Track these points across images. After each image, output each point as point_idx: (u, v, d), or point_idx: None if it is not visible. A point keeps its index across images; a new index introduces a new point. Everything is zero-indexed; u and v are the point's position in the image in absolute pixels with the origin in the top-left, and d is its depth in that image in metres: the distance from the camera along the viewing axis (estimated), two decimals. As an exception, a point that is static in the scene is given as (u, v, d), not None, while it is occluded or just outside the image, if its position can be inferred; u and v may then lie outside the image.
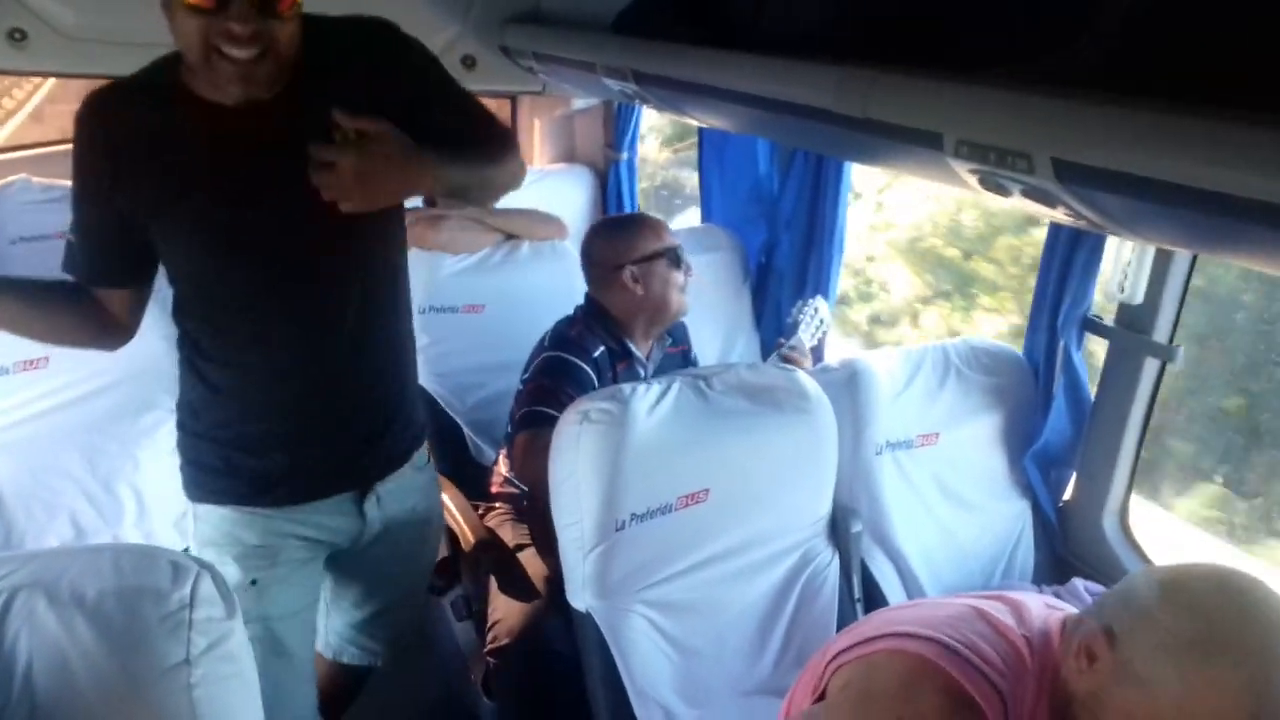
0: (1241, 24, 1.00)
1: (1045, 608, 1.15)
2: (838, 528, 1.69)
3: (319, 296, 1.36)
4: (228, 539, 1.41)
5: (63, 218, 2.73)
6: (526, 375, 1.97)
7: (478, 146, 1.37)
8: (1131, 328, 1.71)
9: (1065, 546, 1.91)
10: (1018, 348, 1.96)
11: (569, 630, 1.60)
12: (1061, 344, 1.79)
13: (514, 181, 1.47)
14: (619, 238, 2.01)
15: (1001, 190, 1.20)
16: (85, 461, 1.91)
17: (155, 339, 1.91)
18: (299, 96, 1.25)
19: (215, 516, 1.42)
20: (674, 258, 1.99)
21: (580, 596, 1.51)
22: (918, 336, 3.60)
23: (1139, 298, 1.66)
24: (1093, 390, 1.82)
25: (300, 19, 1.19)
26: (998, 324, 3.31)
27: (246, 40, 1.13)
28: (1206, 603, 0.95)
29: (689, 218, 3.90)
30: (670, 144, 4.52)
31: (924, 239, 3.73)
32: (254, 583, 1.40)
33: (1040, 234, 1.97)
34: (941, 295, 3.64)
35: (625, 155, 3.35)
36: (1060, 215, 1.21)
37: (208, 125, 1.25)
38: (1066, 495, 1.93)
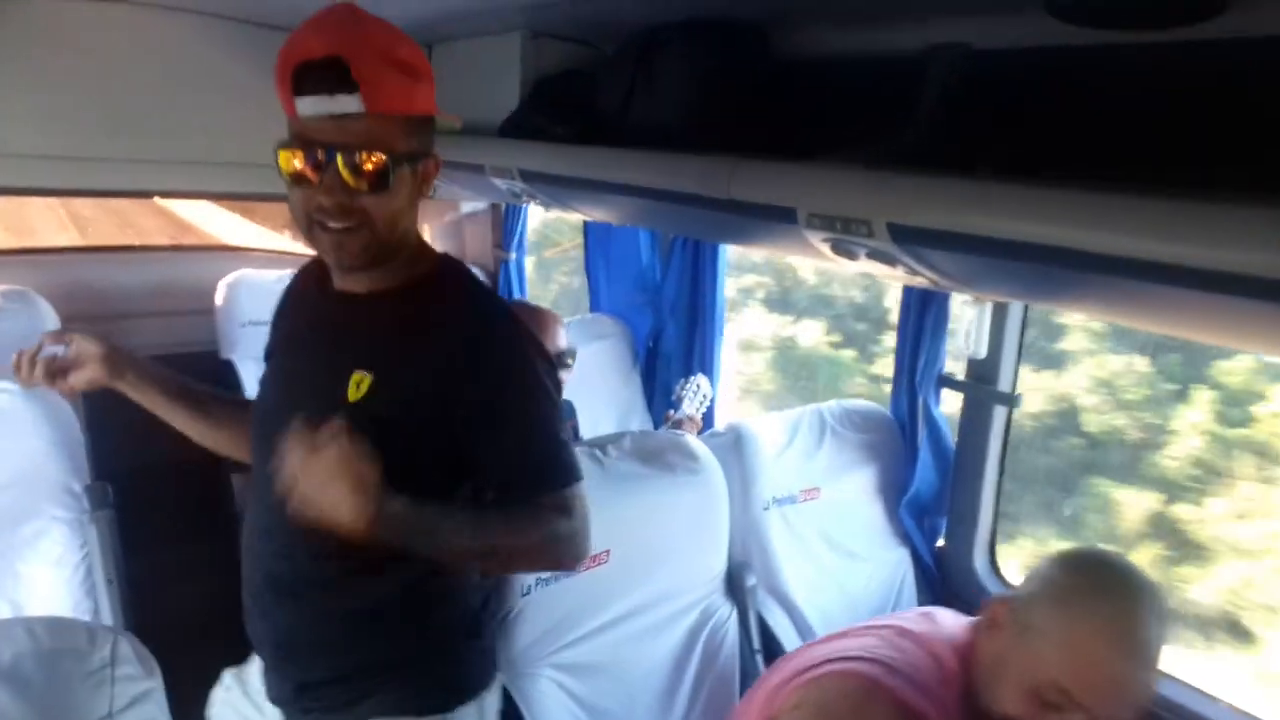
0: (1034, 103, 1.22)
1: (954, 615, 1.36)
2: (734, 582, 1.78)
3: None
4: None
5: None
6: None
7: (514, 504, 1.19)
8: (980, 380, 1.91)
9: (944, 587, 2.05)
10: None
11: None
12: (922, 400, 1.98)
13: (547, 566, 1.34)
14: None
15: (850, 254, 1.37)
16: (-42, 578, 1.82)
17: (38, 442, 1.88)
18: (382, 320, 1.23)
19: None
20: (560, 359, 2.08)
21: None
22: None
23: (983, 352, 1.86)
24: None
25: (406, 199, 1.19)
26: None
27: (337, 213, 1.15)
28: (1082, 564, 1.21)
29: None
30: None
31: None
32: None
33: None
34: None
35: (514, 255, 3.49)
36: (902, 275, 1.38)
37: (315, 303, 1.31)
38: (941, 540, 2.08)
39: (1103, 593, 1.15)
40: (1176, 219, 0.89)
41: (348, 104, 1.10)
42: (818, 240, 1.37)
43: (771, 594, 1.88)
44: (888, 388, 2.10)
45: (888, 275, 1.45)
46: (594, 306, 3.05)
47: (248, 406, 1.43)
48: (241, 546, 1.32)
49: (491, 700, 1.37)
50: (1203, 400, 1.97)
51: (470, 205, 3.57)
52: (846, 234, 1.29)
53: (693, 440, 1.76)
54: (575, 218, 2.58)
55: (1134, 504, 2.52)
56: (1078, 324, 2.63)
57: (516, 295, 3.49)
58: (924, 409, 1.98)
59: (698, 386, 2.34)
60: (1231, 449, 2.31)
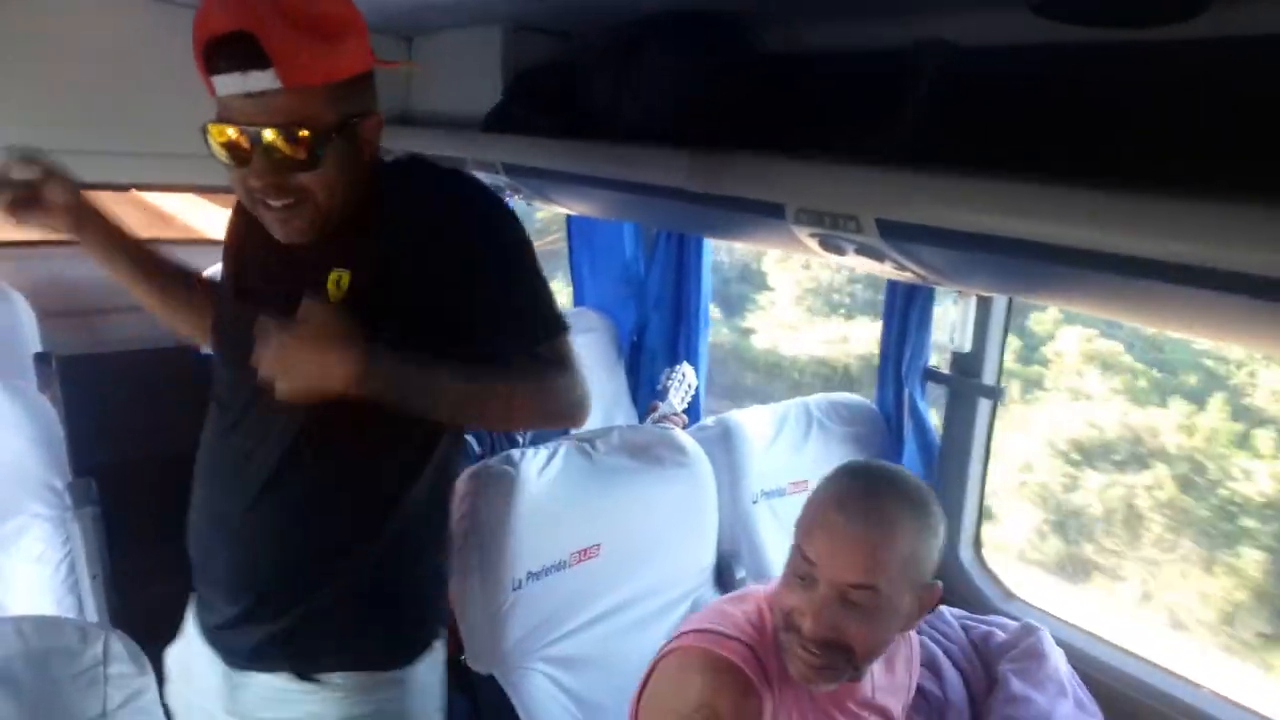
0: (1020, 100, 1.24)
1: None
2: (723, 575, 1.79)
3: (257, 433, 1.24)
4: None
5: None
6: None
7: (501, 359, 1.18)
8: (964, 373, 1.93)
9: (929, 579, 2.07)
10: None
11: (473, 698, 1.62)
12: (907, 393, 1.99)
13: (546, 418, 1.31)
14: None
15: (838, 250, 1.38)
16: (-60, 576, 1.80)
17: (17, 439, 1.87)
18: (347, 245, 1.19)
19: None
20: None
21: (482, 659, 1.54)
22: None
23: (968, 345, 1.88)
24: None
25: (345, 167, 1.13)
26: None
27: (271, 192, 1.11)
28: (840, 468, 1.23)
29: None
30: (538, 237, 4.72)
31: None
32: None
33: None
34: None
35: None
36: (889, 269, 1.40)
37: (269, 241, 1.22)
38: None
39: (844, 474, 1.19)
40: (1160, 215, 0.91)
41: (262, 80, 1.03)
42: (805, 235, 1.38)
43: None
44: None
45: (875, 270, 1.47)
46: (577, 300, 3.05)
47: (209, 290, 1.45)
48: (194, 487, 1.29)
49: (439, 652, 1.37)
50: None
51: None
52: (835, 229, 1.30)
53: (681, 434, 1.77)
54: (559, 210, 2.58)
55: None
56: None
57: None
58: (909, 402, 1.99)
59: (683, 376, 2.34)
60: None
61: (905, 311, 1.94)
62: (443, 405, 1.16)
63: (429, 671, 1.34)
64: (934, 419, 2.02)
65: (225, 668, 1.27)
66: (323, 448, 1.21)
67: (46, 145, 2.30)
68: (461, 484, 1.53)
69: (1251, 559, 2.25)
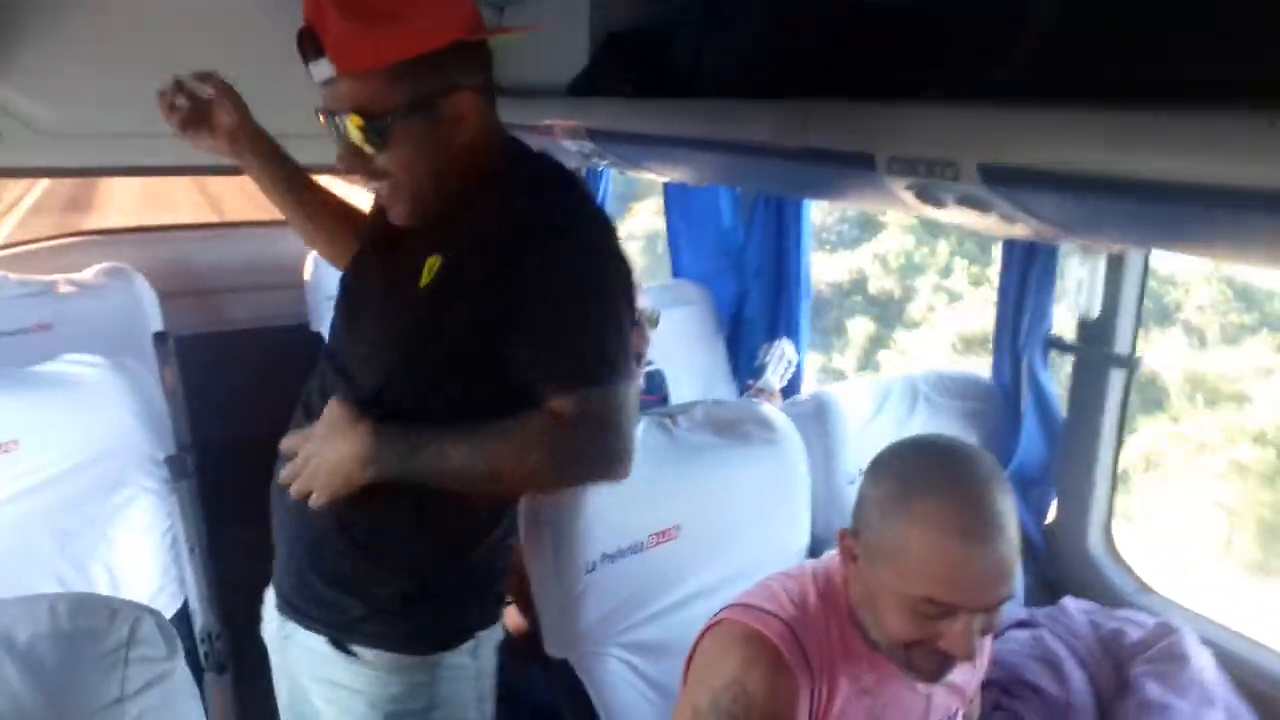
0: (1151, 25, 1.05)
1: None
2: (816, 560, 1.66)
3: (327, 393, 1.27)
4: None
5: (40, 312, 2.81)
6: None
7: (512, 429, 1.13)
8: (1092, 342, 1.73)
9: (1053, 568, 1.88)
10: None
11: (549, 682, 1.57)
12: (1026, 364, 1.80)
13: (575, 481, 1.26)
14: None
15: (937, 202, 1.23)
16: (57, 543, 1.88)
17: (124, 416, 1.92)
18: (450, 229, 1.19)
19: None
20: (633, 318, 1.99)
21: (556, 643, 1.48)
22: None
23: (1096, 310, 1.67)
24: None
25: (426, 147, 1.14)
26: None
27: (356, 175, 1.17)
28: (899, 462, 1.11)
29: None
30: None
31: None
32: None
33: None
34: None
35: (597, 221, 3.41)
36: (996, 224, 1.23)
37: (385, 225, 1.28)
38: (1050, 517, 1.91)
39: (928, 489, 1.05)
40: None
41: (324, 69, 1.08)
42: (900, 188, 1.24)
43: (858, 573, 1.76)
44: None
45: (981, 225, 1.31)
46: (676, 272, 2.95)
47: (349, 216, 1.52)
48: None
49: (487, 642, 1.35)
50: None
51: (552, 172, 3.51)
52: (931, 178, 1.15)
53: (770, 409, 1.65)
54: (649, 176, 2.48)
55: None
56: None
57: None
58: (1029, 374, 1.80)
59: (781, 352, 2.22)
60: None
61: (1023, 272, 1.75)
62: (457, 484, 1.16)
63: (469, 660, 1.32)
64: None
65: (279, 615, 1.35)
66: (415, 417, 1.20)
67: (152, 129, 2.39)
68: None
69: None
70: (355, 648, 1.26)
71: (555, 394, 1.13)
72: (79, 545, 1.89)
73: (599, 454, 1.15)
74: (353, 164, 1.15)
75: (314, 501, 1.15)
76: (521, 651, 1.79)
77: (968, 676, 1.26)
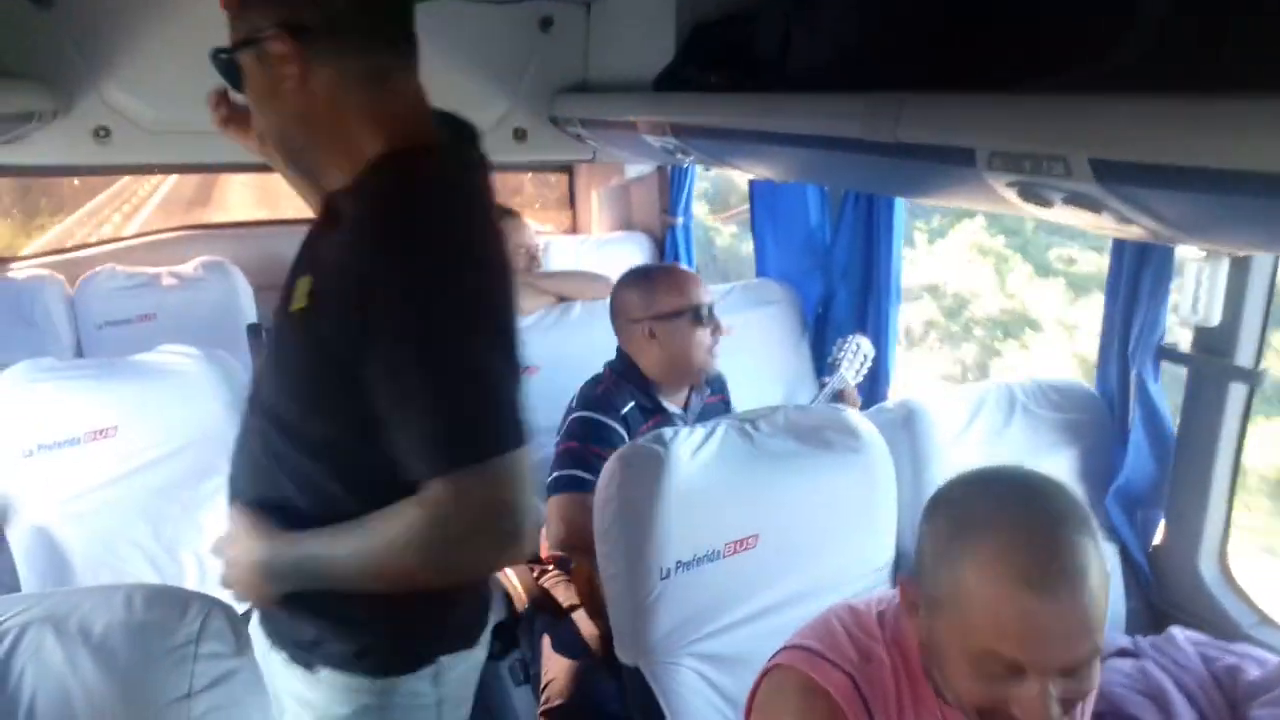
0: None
1: None
2: (902, 575, 1.59)
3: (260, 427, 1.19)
4: None
5: (144, 303, 2.93)
6: (558, 438, 1.90)
7: (403, 509, 0.99)
8: (1211, 352, 1.60)
9: (1159, 594, 1.75)
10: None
11: (621, 689, 1.54)
12: (1135, 375, 1.68)
13: (471, 569, 1.13)
14: (639, 291, 1.94)
15: (1043, 201, 1.15)
16: (151, 528, 1.96)
17: (215, 405, 1.98)
18: (321, 246, 1.09)
19: None
20: (697, 315, 1.89)
21: (628, 651, 1.45)
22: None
23: (1215, 318, 1.54)
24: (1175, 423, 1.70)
25: (266, 92, 1.07)
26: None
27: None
28: (957, 499, 1.00)
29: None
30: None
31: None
32: None
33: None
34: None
35: (681, 220, 3.38)
36: (1110, 224, 1.15)
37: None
38: (1157, 538, 1.78)
39: (987, 528, 0.93)
40: None
41: None
42: (1001, 185, 1.16)
43: (945, 590, 1.67)
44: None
45: (1093, 226, 1.21)
46: (760, 271, 2.89)
47: None
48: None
49: (452, 667, 1.23)
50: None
51: (635, 169, 3.49)
52: (1037, 175, 1.07)
53: (855, 416, 1.58)
54: (734, 173, 2.43)
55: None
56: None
57: (684, 262, 3.38)
58: (1138, 385, 1.68)
59: (857, 346, 2.12)
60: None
61: (1135, 276, 1.63)
62: (351, 587, 1.08)
63: (429, 688, 1.21)
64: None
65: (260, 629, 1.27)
66: (291, 451, 1.12)
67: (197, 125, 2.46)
68: (609, 464, 1.44)
69: None
70: (312, 665, 1.19)
71: (426, 477, 0.97)
72: (171, 531, 1.96)
73: (485, 541, 1.01)
74: (220, 117, 1.22)
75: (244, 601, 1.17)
76: (594, 660, 1.77)
77: None
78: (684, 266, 2.29)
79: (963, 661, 0.95)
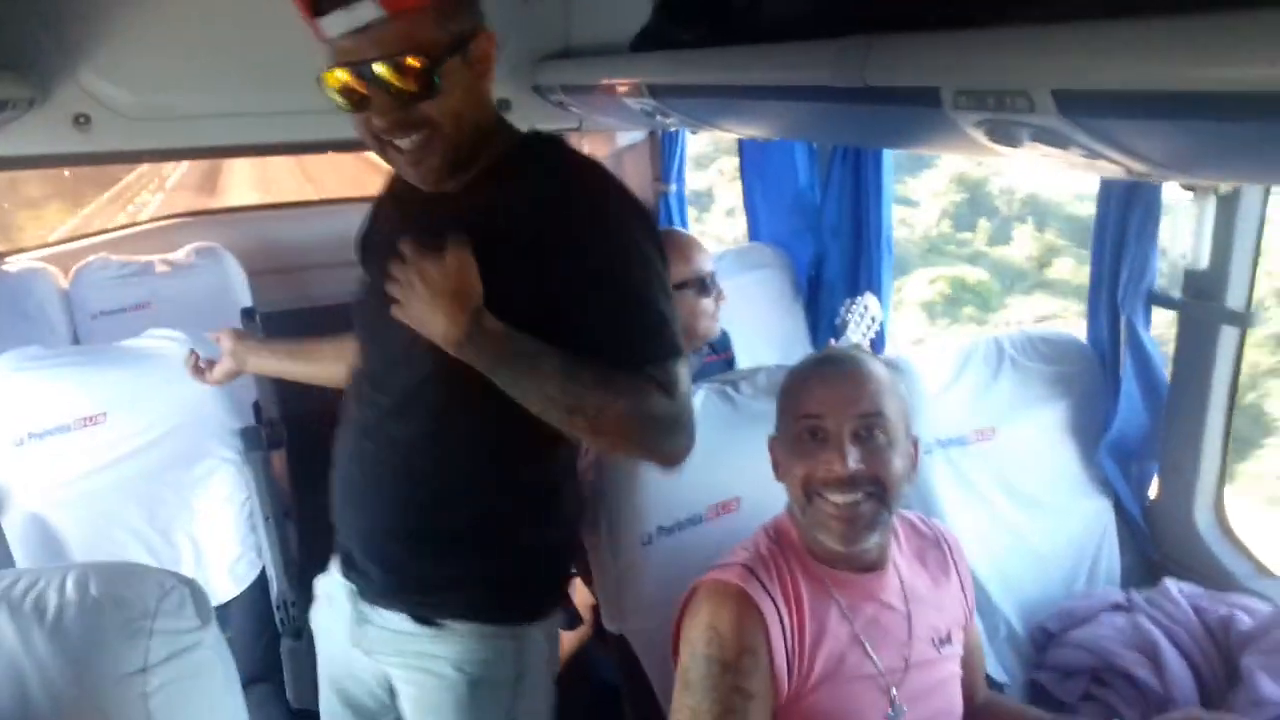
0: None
1: None
2: (889, 534, 1.57)
3: (391, 388, 1.25)
4: None
5: (138, 291, 2.93)
6: None
7: (605, 371, 1.09)
8: (1201, 296, 1.56)
9: (1155, 547, 1.72)
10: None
11: (608, 657, 1.53)
12: (1125, 322, 1.64)
13: (636, 448, 1.17)
14: None
15: (1011, 140, 1.11)
16: (144, 512, 1.96)
17: (202, 388, 1.96)
18: (462, 219, 1.14)
19: None
20: (701, 286, 1.89)
21: (612, 618, 1.44)
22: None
23: (1204, 261, 1.51)
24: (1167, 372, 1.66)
25: (466, 92, 1.11)
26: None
27: (396, 130, 1.10)
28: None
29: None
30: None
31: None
32: None
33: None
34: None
35: (674, 187, 3.33)
36: (1080, 159, 1.11)
37: (408, 201, 1.26)
38: (1152, 492, 1.75)
39: (810, 358, 1.31)
40: None
41: (366, 12, 1.02)
42: (969, 125, 1.13)
43: (935, 548, 1.65)
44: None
45: (1064, 165, 1.18)
46: (752, 235, 2.85)
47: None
48: (337, 439, 1.33)
49: (554, 621, 1.35)
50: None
51: (628, 137, 3.44)
52: (1002, 111, 1.04)
53: (837, 374, 1.55)
54: (717, 132, 2.39)
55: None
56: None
57: (678, 227, 3.34)
58: (1128, 333, 1.64)
59: (865, 308, 2.09)
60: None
61: (1122, 220, 1.58)
62: (532, 396, 1.11)
63: (542, 638, 1.31)
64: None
65: (357, 599, 1.32)
66: (446, 403, 1.20)
67: (227, 109, 2.44)
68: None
69: None
70: (440, 620, 1.26)
71: (633, 367, 1.11)
72: (165, 514, 1.97)
73: (673, 426, 1.13)
74: (393, 116, 1.08)
75: (394, 313, 1.12)
76: (583, 623, 1.76)
77: (948, 597, 1.31)
78: (684, 231, 2.25)
79: (791, 450, 1.24)
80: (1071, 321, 6.56)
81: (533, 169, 1.18)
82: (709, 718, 1.13)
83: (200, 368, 1.70)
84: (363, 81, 1.07)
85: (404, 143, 1.11)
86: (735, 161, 2.92)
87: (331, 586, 1.40)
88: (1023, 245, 7.37)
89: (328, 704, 1.46)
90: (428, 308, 1.08)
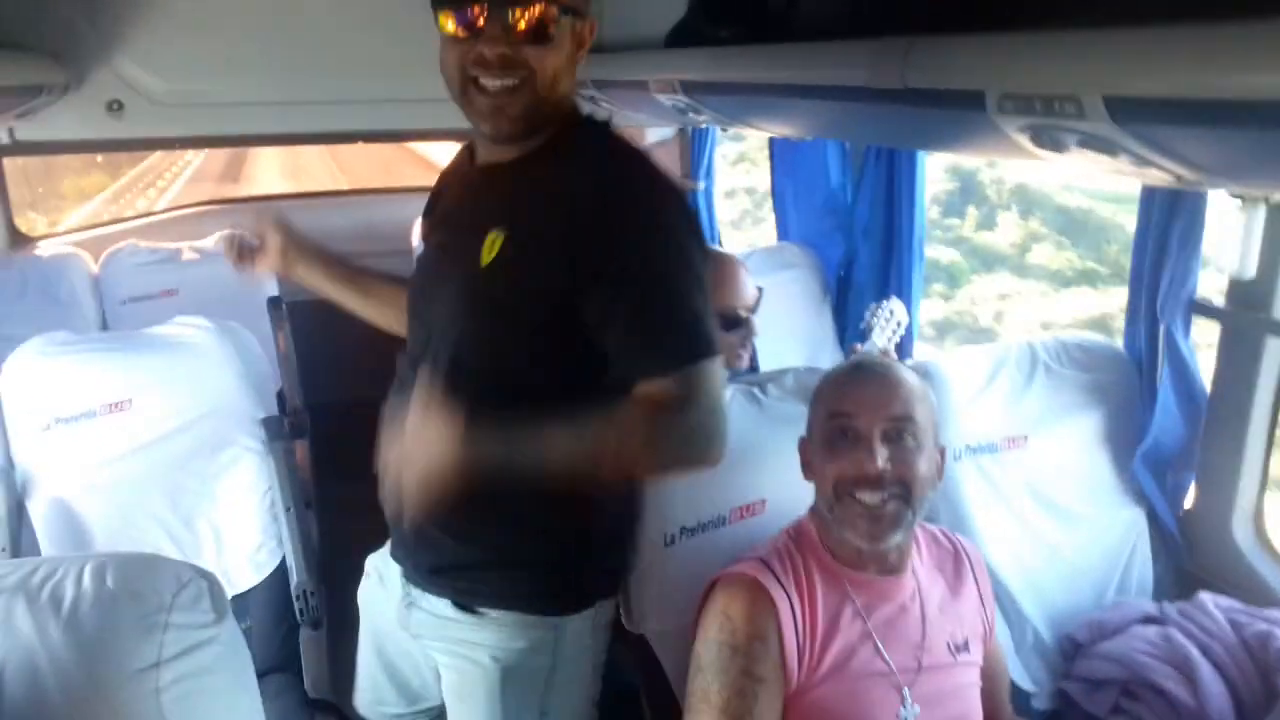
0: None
1: None
2: (917, 542, 1.54)
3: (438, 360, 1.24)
4: None
5: (166, 278, 2.95)
6: None
7: (630, 377, 1.10)
8: (1246, 305, 1.52)
9: (1190, 559, 1.69)
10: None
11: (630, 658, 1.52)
12: (1164, 330, 1.61)
13: (669, 468, 1.20)
14: None
15: (1057, 146, 1.09)
16: (168, 499, 1.96)
17: (229, 376, 1.98)
18: (512, 201, 1.18)
19: None
20: (724, 320, 1.68)
21: (634, 618, 1.43)
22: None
23: (1251, 270, 1.46)
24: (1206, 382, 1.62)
25: (567, 57, 1.16)
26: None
27: (499, 66, 1.11)
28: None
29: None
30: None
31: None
32: None
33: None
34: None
35: (703, 184, 3.31)
36: (1128, 167, 1.08)
37: (463, 178, 1.31)
38: (1187, 503, 1.72)
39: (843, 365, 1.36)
40: None
41: None
42: (1014, 129, 1.10)
43: (963, 556, 1.62)
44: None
45: (1110, 170, 1.15)
46: (781, 235, 2.83)
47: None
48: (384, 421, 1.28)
49: (603, 613, 1.34)
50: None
51: (657, 133, 3.42)
52: (1049, 116, 1.01)
53: (868, 378, 1.53)
54: (748, 131, 2.36)
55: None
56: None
57: (705, 224, 3.32)
58: (1167, 342, 1.60)
59: (890, 313, 2.05)
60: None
61: (1165, 226, 1.55)
62: (554, 466, 1.09)
63: (587, 629, 1.31)
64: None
65: (405, 583, 1.35)
66: (488, 395, 1.17)
67: (259, 98, 2.44)
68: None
69: None
70: (480, 608, 1.27)
71: (654, 374, 1.10)
72: (188, 502, 1.97)
73: (701, 436, 1.11)
74: (502, 50, 1.10)
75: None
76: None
77: (966, 608, 1.33)
78: (731, 257, 2.06)
79: (821, 450, 1.26)
80: (1030, 299, 6.61)
81: (584, 152, 1.20)
82: (719, 700, 1.17)
83: (243, 254, 1.55)
84: (484, 13, 1.09)
85: (495, 84, 1.12)
86: (736, 147, 2.89)
87: (383, 565, 1.42)
88: (1007, 232, 7.32)
89: (367, 668, 1.51)
90: (422, 458, 1.07)
